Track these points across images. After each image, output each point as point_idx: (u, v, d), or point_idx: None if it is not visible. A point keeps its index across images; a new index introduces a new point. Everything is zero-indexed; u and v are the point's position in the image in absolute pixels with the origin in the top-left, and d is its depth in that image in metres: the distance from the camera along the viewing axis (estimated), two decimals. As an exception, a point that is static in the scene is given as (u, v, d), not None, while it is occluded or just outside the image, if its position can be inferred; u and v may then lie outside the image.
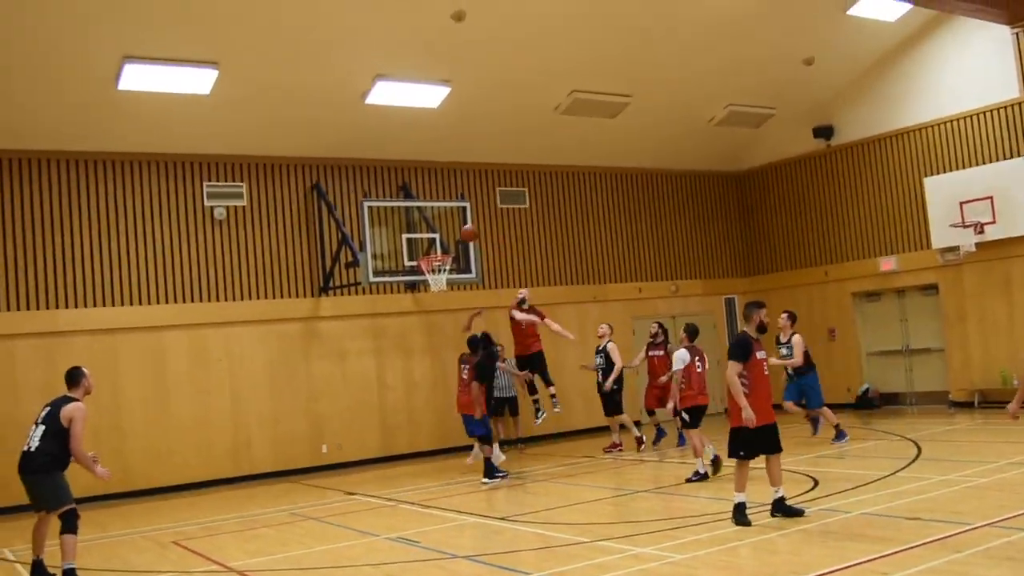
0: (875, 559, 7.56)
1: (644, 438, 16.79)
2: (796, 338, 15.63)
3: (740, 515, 9.36)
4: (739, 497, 9.45)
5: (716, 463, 12.90)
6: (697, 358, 13.42)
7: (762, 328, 9.56)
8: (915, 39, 19.47)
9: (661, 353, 16.67)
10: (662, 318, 21.48)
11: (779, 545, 8.44)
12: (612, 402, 16.69)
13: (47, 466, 9.06)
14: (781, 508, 9.54)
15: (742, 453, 9.58)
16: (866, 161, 20.93)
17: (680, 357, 13.45)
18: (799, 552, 8.09)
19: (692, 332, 13.79)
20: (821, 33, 18.64)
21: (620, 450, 16.54)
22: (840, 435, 15.33)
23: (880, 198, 20.66)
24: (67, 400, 9.28)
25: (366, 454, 17.84)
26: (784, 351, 15.71)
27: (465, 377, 14.85)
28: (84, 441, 9.31)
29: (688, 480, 12.69)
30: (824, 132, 21.46)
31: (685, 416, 13.30)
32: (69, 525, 9.06)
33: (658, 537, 9.22)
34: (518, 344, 16.52)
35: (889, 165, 20.44)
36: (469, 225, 16.76)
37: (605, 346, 16.80)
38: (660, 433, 17.00)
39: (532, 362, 16.40)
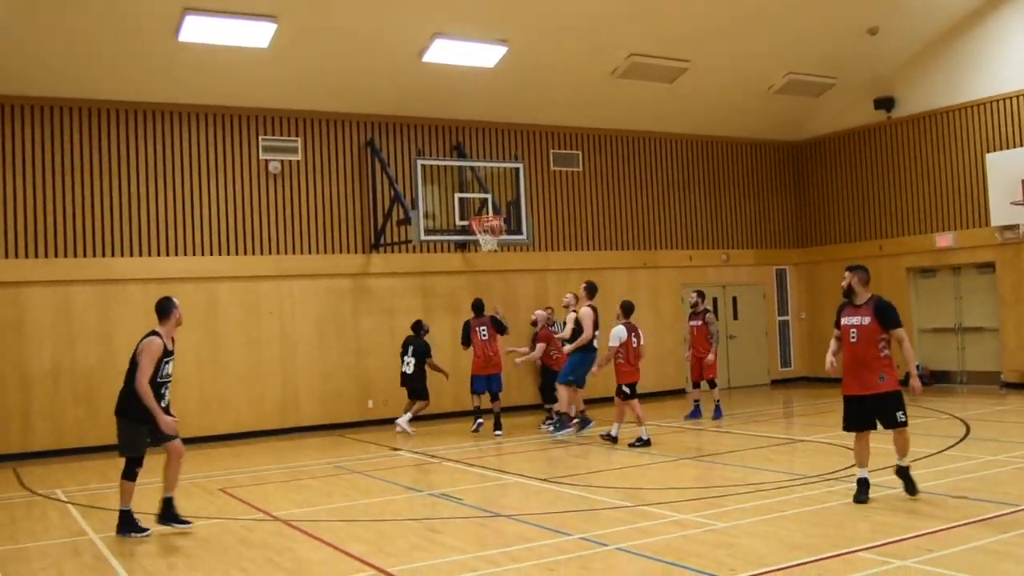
0: (919, 536, 7.52)
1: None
2: (571, 315, 15.31)
3: (859, 491, 8.96)
4: (858, 472, 9.07)
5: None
6: (633, 334, 13.85)
7: (844, 292, 9.20)
8: (982, 11, 19.02)
9: (700, 323, 16.52)
10: (712, 287, 21.47)
11: (823, 517, 8.41)
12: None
13: (120, 408, 8.98)
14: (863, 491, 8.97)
15: (844, 426, 9.19)
16: (927, 134, 20.56)
17: (617, 334, 13.78)
18: (843, 525, 8.06)
19: (628, 309, 14.16)
20: (887, 2, 18.27)
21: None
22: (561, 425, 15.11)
23: (939, 173, 20.32)
24: (149, 334, 9.03)
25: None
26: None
27: (486, 338, 15.61)
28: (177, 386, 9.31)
29: (631, 445, 13.44)
30: (885, 103, 21.09)
31: (626, 389, 13.77)
32: (126, 470, 8.99)
33: (700, 504, 9.23)
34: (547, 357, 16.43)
35: (950, 139, 20.08)
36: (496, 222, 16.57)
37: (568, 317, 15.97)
38: (696, 412, 16.65)
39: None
